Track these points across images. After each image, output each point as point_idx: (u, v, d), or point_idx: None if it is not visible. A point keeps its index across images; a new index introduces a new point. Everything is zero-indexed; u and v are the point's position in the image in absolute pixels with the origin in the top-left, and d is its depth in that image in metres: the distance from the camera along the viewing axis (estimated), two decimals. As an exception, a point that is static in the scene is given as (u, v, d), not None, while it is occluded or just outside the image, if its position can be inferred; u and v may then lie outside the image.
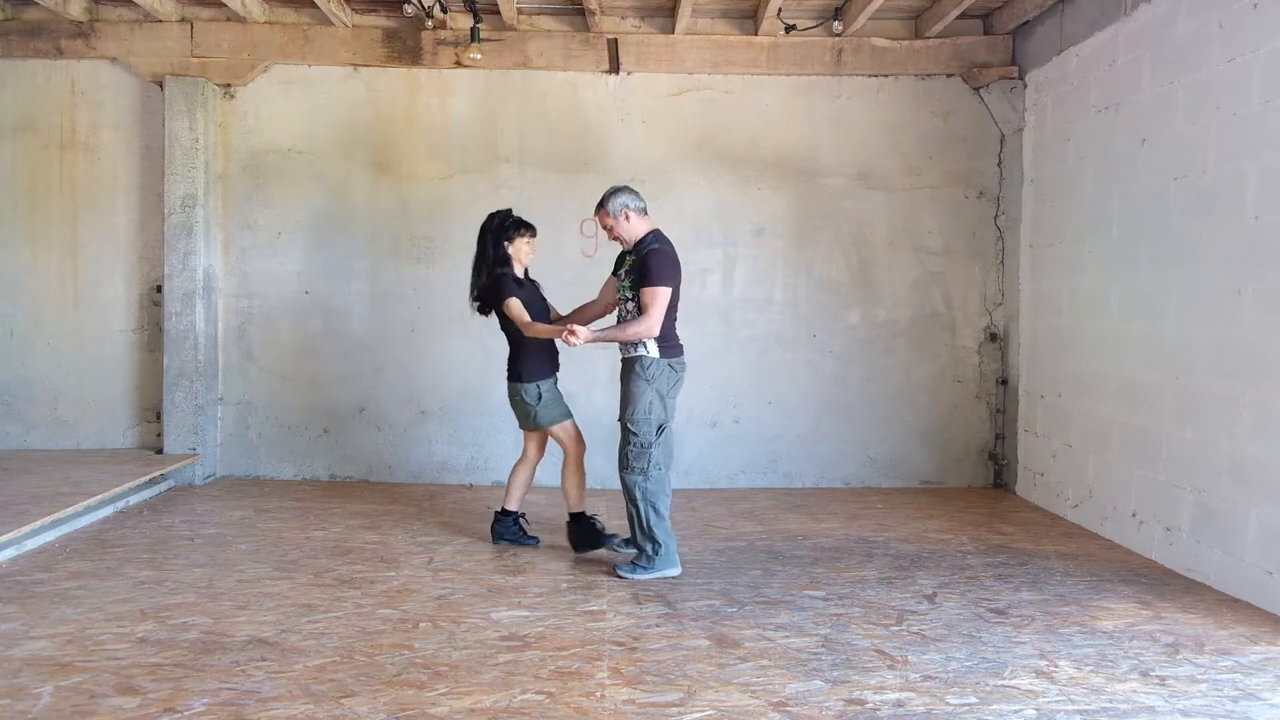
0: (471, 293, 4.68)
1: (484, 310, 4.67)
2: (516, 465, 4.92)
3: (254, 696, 2.98)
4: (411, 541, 4.94)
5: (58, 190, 6.43)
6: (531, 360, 4.62)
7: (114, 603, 3.86)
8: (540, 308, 4.70)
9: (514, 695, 3.03)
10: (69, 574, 4.24)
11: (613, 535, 4.70)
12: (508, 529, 4.89)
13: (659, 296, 4.22)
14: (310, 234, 6.47)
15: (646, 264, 4.27)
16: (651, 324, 4.21)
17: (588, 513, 4.74)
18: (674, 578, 4.33)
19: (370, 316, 6.50)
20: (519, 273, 4.69)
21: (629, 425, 4.31)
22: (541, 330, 4.50)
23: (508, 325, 4.65)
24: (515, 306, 4.51)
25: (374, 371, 6.50)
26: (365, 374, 6.50)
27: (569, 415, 4.72)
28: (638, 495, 4.31)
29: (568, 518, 4.75)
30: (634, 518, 4.35)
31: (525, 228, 4.70)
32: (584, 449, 4.76)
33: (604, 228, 4.50)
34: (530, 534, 4.93)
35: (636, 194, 4.47)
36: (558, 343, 4.73)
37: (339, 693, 3.02)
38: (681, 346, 4.46)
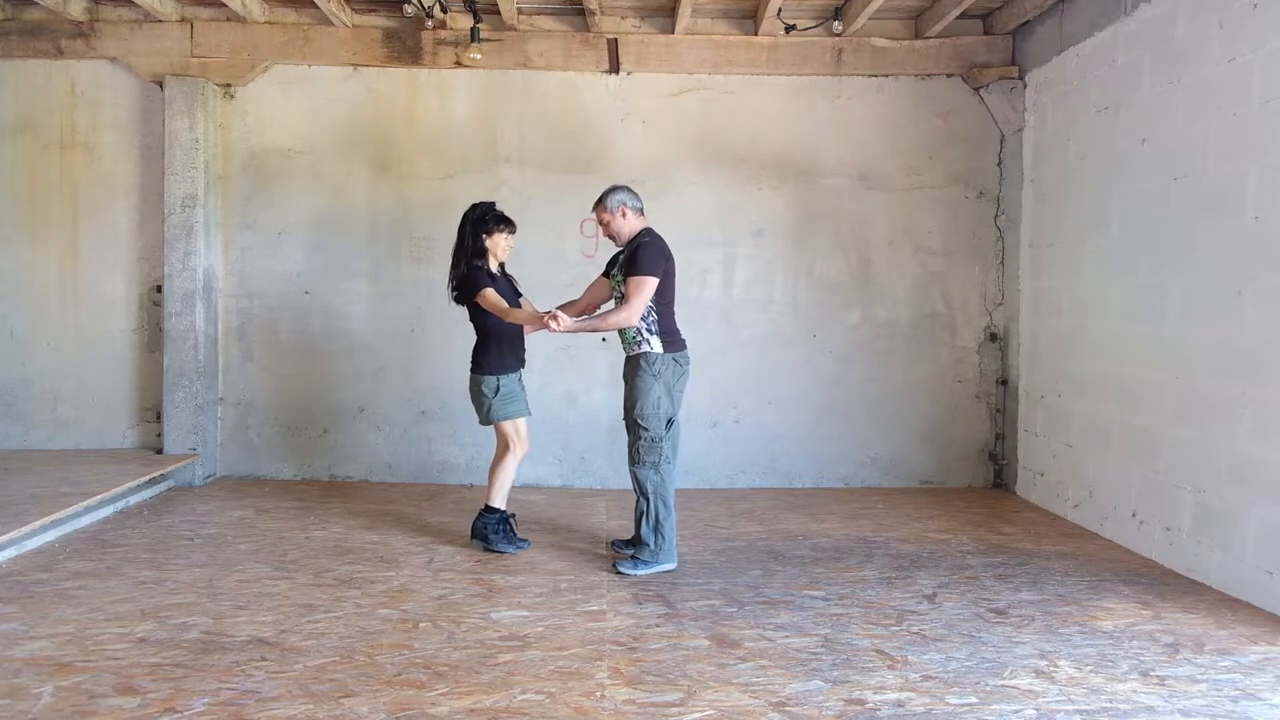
0: (450, 282, 4.70)
1: (459, 300, 4.70)
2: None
3: (254, 696, 2.98)
4: (411, 541, 4.94)
5: (58, 190, 6.43)
6: (494, 353, 4.67)
7: (114, 603, 3.86)
8: (513, 303, 4.71)
9: (514, 695, 3.03)
10: (69, 574, 4.24)
11: (524, 541, 4.80)
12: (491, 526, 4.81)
13: (643, 285, 4.30)
14: (310, 234, 6.47)
15: (634, 255, 4.38)
16: (631, 312, 4.29)
17: (507, 511, 4.82)
18: (673, 577, 4.34)
19: (370, 316, 6.50)
20: (494, 267, 4.70)
21: (639, 421, 4.37)
22: (522, 316, 4.55)
23: (476, 316, 4.69)
24: (492, 295, 4.53)
25: (374, 371, 6.50)
26: (365, 374, 6.50)
27: (524, 414, 4.76)
28: (649, 489, 4.39)
29: (484, 507, 4.80)
30: (644, 512, 4.42)
31: (505, 223, 4.72)
32: (525, 452, 4.81)
33: (600, 224, 4.59)
34: (521, 537, 4.89)
35: (635, 194, 4.58)
36: (528, 339, 4.84)
37: (339, 693, 3.02)
38: (684, 341, 4.54)
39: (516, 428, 4.73)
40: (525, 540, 4.85)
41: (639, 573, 4.36)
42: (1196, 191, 4.47)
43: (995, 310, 6.54)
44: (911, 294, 6.53)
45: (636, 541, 4.70)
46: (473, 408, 4.83)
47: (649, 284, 4.31)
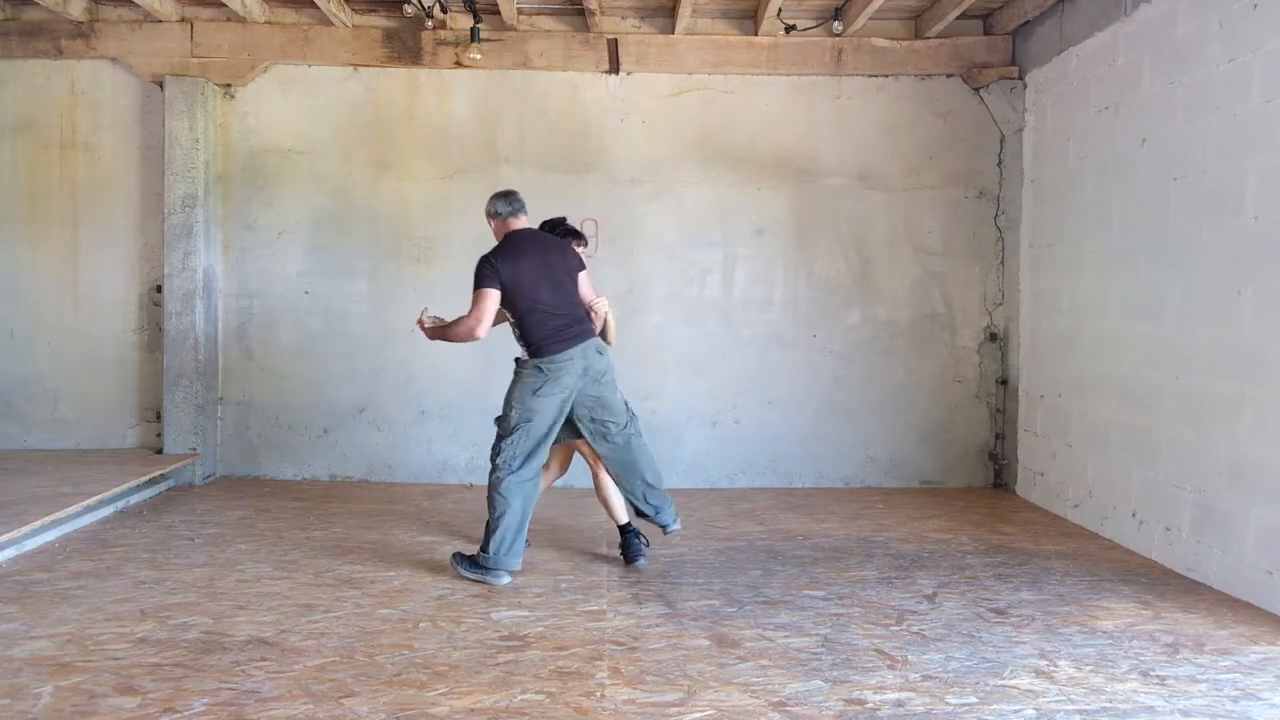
0: None
1: None
2: (595, 480, 4.64)
3: (254, 696, 2.98)
4: (411, 541, 4.94)
5: (58, 190, 6.43)
6: None
7: (114, 603, 3.86)
8: None
9: (514, 695, 3.03)
10: (69, 574, 4.24)
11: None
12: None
13: (476, 298, 4.19)
14: (310, 234, 6.47)
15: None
16: (469, 325, 4.19)
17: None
18: (673, 577, 4.33)
19: (370, 316, 6.50)
20: None
21: (498, 419, 4.34)
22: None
23: None
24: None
25: (374, 371, 6.50)
26: (365, 374, 6.50)
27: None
28: (491, 486, 4.25)
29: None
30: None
31: (575, 236, 4.61)
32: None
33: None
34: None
35: (508, 199, 4.43)
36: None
37: (339, 693, 3.02)
38: (563, 345, 4.23)
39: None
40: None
41: (460, 570, 4.24)
42: (1196, 191, 4.47)
43: (995, 310, 6.54)
44: (911, 294, 6.53)
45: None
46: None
47: (482, 296, 4.17)
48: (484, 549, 4.21)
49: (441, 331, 4.35)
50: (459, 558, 4.31)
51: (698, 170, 6.47)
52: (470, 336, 4.23)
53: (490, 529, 4.22)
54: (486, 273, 4.23)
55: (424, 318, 4.37)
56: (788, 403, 6.52)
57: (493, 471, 4.25)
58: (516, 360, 4.36)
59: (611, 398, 4.38)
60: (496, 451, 4.26)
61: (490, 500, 4.23)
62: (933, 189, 6.50)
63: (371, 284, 6.49)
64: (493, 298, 4.19)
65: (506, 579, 4.20)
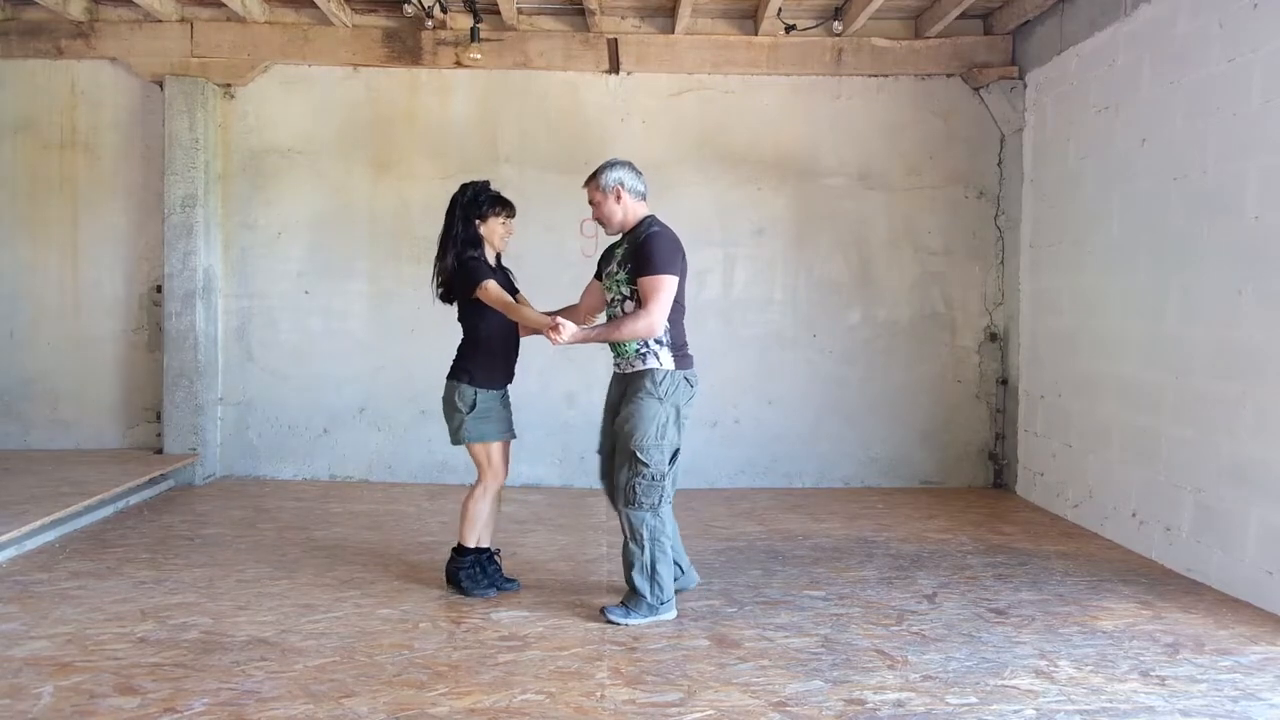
0: (435, 277, 3.96)
1: (447, 298, 3.97)
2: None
3: (254, 696, 2.98)
4: (411, 542, 4.94)
5: (58, 190, 6.43)
6: (483, 361, 3.95)
7: (114, 603, 3.86)
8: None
9: (514, 695, 3.03)
10: (69, 574, 4.24)
11: (511, 581, 4.13)
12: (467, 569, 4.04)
13: (662, 286, 3.54)
14: (310, 234, 6.47)
15: (645, 248, 3.61)
16: (653, 320, 3.55)
17: (491, 548, 4.14)
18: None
19: (370, 316, 6.50)
20: (490, 257, 3.99)
21: (638, 453, 3.60)
22: (530, 316, 3.83)
23: (468, 317, 3.98)
24: (494, 288, 3.81)
25: (374, 371, 6.50)
26: (365, 374, 6.50)
27: (499, 437, 4.00)
28: (644, 534, 3.66)
29: (454, 547, 4.09)
30: (634, 557, 3.68)
31: (501, 205, 3.98)
32: (500, 484, 4.07)
33: (590, 203, 3.87)
34: (508, 577, 4.18)
35: (638, 174, 3.83)
36: (523, 346, 4.12)
37: (339, 693, 3.02)
38: (692, 356, 3.82)
39: (488, 452, 3.96)
40: (513, 581, 4.15)
41: (631, 622, 3.66)
42: (1196, 191, 4.47)
43: (995, 310, 6.54)
44: (911, 294, 6.53)
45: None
46: (445, 423, 4.00)
47: (668, 284, 3.55)
48: (653, 591, 3.67)
49: (605, 333, 3.68)
50: (620, 611, 3.71)
51: (698, 170, 6.47)
52: (649, 335, 3.59)
53: (653, 570, 3.66)
54: (675, 258, 3.60)
55: (559, 334, 3.61)
56: (788, 403, 6.52)
57: (650, 514, 3.63)
58: (650, 375, 3.65)
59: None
60: (655, 492, 3.62)
61: (655, 540, 3.66)
62: (933, 189, 6.50)
63: (371, 284, 6.49)
64: (674, 288, 3.58)
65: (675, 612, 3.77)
